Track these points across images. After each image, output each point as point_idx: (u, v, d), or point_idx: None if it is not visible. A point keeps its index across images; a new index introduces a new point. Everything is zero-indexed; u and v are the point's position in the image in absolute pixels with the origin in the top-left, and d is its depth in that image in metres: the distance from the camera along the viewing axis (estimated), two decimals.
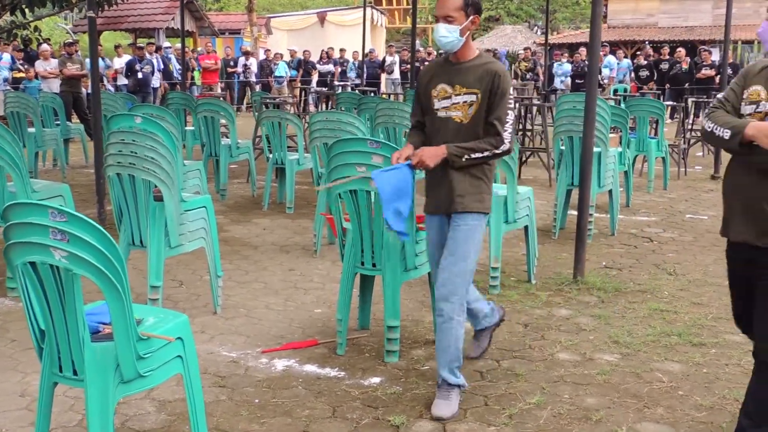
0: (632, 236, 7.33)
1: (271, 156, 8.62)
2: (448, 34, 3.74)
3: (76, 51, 15.10)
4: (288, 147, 8.63)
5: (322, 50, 24.34)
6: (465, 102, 3.79)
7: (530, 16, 44.60)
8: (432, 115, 3.89)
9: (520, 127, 12.29)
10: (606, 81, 20.77)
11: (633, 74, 21.32)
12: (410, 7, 43.13)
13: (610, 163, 7.23)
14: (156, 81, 18.53)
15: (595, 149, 7.05)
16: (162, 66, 19.36)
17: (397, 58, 23.63)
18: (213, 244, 5.12)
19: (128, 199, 4.83)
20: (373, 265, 4.36)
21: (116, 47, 19.87)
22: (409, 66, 23.00)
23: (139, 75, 16.78)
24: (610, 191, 7.27)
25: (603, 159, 7.02)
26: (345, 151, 4.26)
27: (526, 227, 5.74)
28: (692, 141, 12.53)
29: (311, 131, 6.61)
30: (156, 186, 4.73)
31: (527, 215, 5.71)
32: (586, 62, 21.01)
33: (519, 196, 5.57)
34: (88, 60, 11.69)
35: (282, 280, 5.92)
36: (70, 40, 17.61)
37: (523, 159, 11.10)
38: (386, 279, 4.28)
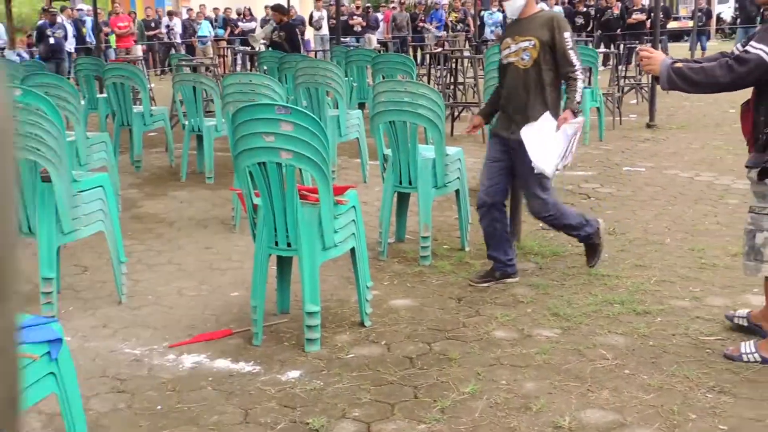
0: (569, 193, 7.02)
1: (187, 123, 8.07)
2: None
3: None
4: (207, 111, 8.09)
5: (244, 7, 23.51)
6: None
7: None
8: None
9: (451, 80, 11.88)
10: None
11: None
12: None
13: None
14: (71, 46, 17.58)
15: None
16: (75, 30, 18.37)
17: (325, 13, 22.92)
18: (114, 227, 4.63)
19: None
20: (288, 244, 3.94)
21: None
22: (335, 21, 22.42)
23: (51, 40, 15.84)
24: None
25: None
26: (250, 119, 3.79)
27: (457, 191, 5.36)
28: (626, 89, 12.28)
29: (224, 95, 6.10)
30: (43, 166, 4.21)
31: (458, 178, 5.33)
32: None
33: (449, 158, 5.18)
34: None
35: (197, 259, 5.45)
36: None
37: (456, 114, 10.71)
38: (303, 260, 3.86)
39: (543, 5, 20.42)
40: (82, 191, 4.43)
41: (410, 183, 5.18)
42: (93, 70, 10.06)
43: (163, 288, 4.90)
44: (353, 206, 4.09)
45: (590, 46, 15.82)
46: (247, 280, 4.93)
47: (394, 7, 23.83)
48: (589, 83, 9.67)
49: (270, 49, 11.30)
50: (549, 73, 4.50)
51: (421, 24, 22.27)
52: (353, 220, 4.10)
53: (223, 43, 21.28)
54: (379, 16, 23.42)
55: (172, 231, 6.20)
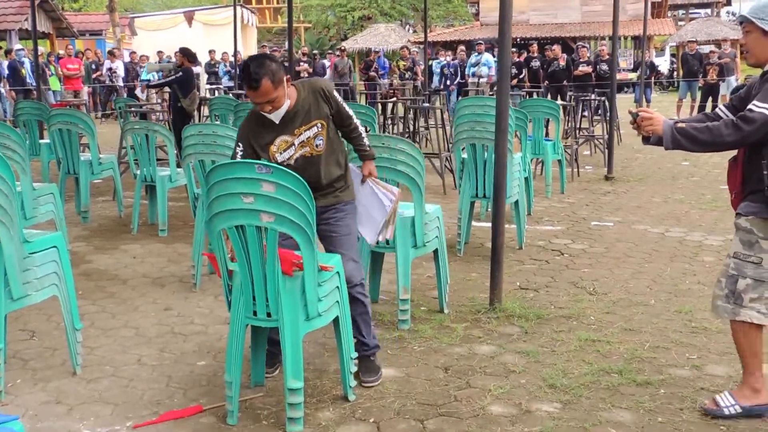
0: (541, 249, 6.81)
1: (138, 172, 7.67)
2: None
3: None
4: (158, 159, 7.71)
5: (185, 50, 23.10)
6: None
7: (402, 15, 44.39)
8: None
9: (408, 130, 11.70)
10: (485, 80, 20.57)
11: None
12: (280, 6, 42.14)
13: (516, 171, 6.68)
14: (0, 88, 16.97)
15: None
16: (6, 72, 17.75)
17: None
18: (68, 292, 4.22)
19: None
20: (268, 314, 3.59)
21: None
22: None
23: None
24: (516, 200, 6.72)
25: (510, 167, 6.45)
26: (227, 178, 3.46)
27: (435, 250, 5.08)
28: (581, 140, 12.25)
29: (184, 147, 5.75)
30: None
31: (437, 237, 5.05)
32: (462, 61, 20.97)
33: (427, 216, 4.90)
34: None
35: (156, 323, 5.04)
36: None
37: None
38: (285, 332, 3.52)
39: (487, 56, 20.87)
40: (33, 253, 4.02)
41: (387, 242, 4.88)
42: (35, 114, 9.61)
43: (121, 357, 4.48)
44: (337, 272, 3.77)
45: (535, 96, 15.91)
46: (213, 347, 4.58)
47: (337, 54, 23.75)
48: (547, 135, 9.57)
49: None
50: (336, 137, 4.12)
51: (372, 73, 22.10)
52: (337, 287, 3.78)
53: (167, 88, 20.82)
54: (326, 62, 23.26)
55: (126, 290, 5.77)
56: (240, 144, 3.92)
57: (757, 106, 3.37)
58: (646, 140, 3.62)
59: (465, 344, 4.58)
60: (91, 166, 8.02)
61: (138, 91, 20.04)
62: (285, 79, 3.78)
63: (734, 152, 3.65)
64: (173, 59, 22.22)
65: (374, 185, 4.36)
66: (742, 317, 3.54)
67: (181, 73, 11.24)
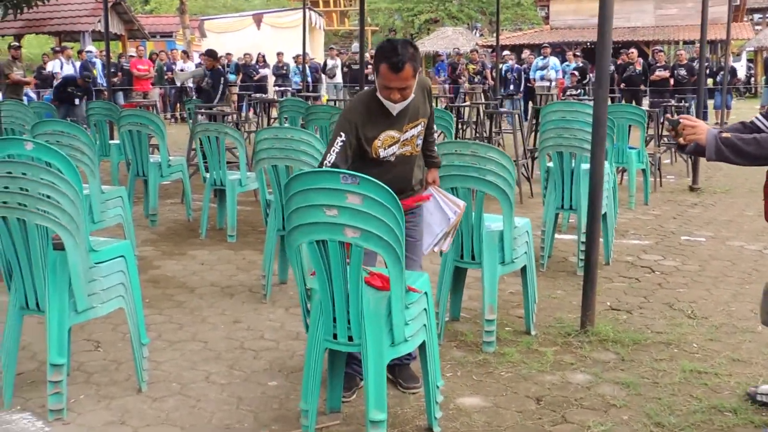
0: (630, 266, 6.37)
1: (208, 175, 7.46)
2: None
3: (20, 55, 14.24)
4: (228, 163, 7.49)
5: (259, 54, 23.12)
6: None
7: (470, 18, 43.90)
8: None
9: (482, 135, 11.31)
10: (553, 83, 20.06)
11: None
12: (347, 9, 42.24)
13: (606, 182, 6.25)
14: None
15: (587, 166, 6.09)
16: (79, 72, 17.88)
17: (338, 61, 22.54)
18: (135, 304, 3.98)
19: (18, 250, 3.65)
20: (350, 338, 3.28)
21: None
22: (347, 69, 21.99)
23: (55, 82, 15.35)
24: (604, 213, 6.30)
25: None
26: (308, 188, 3.16)
27: (524, 267, 4.71)
28: (664, 149, 11.71)
29: (256, 151, 5.49)
30: (55, 232, 3.57)
31: (525, 253, 4.69)
32: (528, 64, 20.43)
33: (516, 230, 4.55)
34: None
35: (225, 337, 4.78)
36: (16, 44, 16.23)
37: None
38: (368, 359, 3.20)
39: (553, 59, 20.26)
40: (100, 262, 3.79)
41: (473, 258, 4.54)
42: (106, 114, 9.52)
43: (189, 373, 4.22)
44: (425, 293, 3.45)
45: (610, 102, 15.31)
46: (285, 366, 4.29)
47: None
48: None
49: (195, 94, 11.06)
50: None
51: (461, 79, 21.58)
52: (425, 309, 3.45)
53: (235, 90, 20.79)
54: None
55: (193, 299, 5.53)
56: (342, 134, 3.60)
57: None
58: (682, 148, 3.52)
59: (557, 371, 4.21)
60: (161, 168, 7.85)
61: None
62: (419, 70, 3.60)
63: None
64: (237, 61, 22.29)
65: (438, 194, 4.11)
66: None
67: (214, 79, 11.20)
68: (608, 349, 4.51)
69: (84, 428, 3.58)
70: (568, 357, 4.40)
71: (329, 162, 3.57)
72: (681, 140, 3.45)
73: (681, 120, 3.44)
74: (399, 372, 3.97)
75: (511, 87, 20.21)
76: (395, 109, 3.62)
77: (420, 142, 3.85)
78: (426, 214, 4.04)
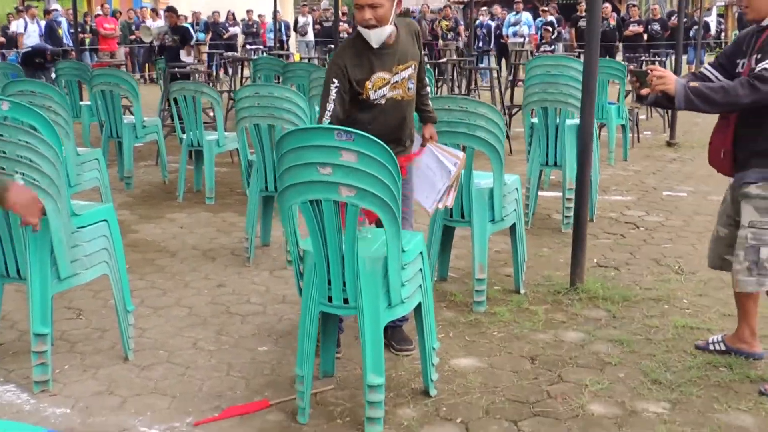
0: (614, 222, 6.35)
1: (184, 136, 7.29)
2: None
3: None
4: (204, 123, 7.32)
5: (228, 11, 22.70)
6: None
7: None
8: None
9: (459, 92, 11.20)
10: (527, 38, 19.87)
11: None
12: None
13: None
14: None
15: (572, 122, 6.04)
16: (44, 31, 17.45)
17: (310, 18, 22.20)
18: (119, 270, 3.86)
19: None
20: (345, 301, 3.20)
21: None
22: (320, 27, 21.67)
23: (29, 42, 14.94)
24: None
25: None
26: (300, 146, 3.05)
27: (513, 225, 4.65)
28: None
29: (237, 109, 5.34)
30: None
31: (515, 210, 4.62)
32: (502, 20, 20.19)
33: (506, 187, 4.47)
34: None
35: (210, 302, 4.69)
36: None
37: None
38: (364, 321, 3.12)
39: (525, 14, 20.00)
40: (82, 227, 3.66)
41: (462, 216, 4.47)
42: (75, 75, 9.25)
43: (175, 340, 4.13)
44: (420, 252, 3.37)
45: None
46: (274, 330, 4.22)
47: None
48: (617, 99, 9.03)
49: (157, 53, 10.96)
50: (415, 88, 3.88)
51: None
52: (420, 270, 3.37)
53: (205, 48, 20.38)
54: None
55: (175, 263, 5.42)
56: (335, 80, 3.53)
57: None
58: (642, 99, 3.59)
59: (549, 330, 4.17)
60: (135, 130, 7.66)
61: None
62: (397, 0, 3.52)
63: None
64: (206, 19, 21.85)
65: (435, 149, 4.03)
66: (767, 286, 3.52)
67: (181, 35, 11.01)
68: (599, 307, 4.48)
69: (71, 399, 3.48)
70: (559, 315, 4.37)
71: (329, 111, 3.51)
72: (644, 91, 3.50)
73: (649, 70, 3.46)
74: (392, 334, 3.91)
75: (481, 44, 19.98)
76: (372, 38, 3.52)
77: (411, 86, 3.75)
78: (426, 171, 3.96)
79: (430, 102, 4.09)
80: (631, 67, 3.62)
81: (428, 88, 4.08)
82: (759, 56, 3.42)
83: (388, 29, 3.53)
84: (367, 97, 3.59)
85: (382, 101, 3.64)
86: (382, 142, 2.98)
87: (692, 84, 3.42)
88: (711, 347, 3.87)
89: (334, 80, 3.53)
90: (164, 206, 7.04)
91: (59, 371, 3.74)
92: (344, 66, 3.54)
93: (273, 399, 3.44)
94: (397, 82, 3.66)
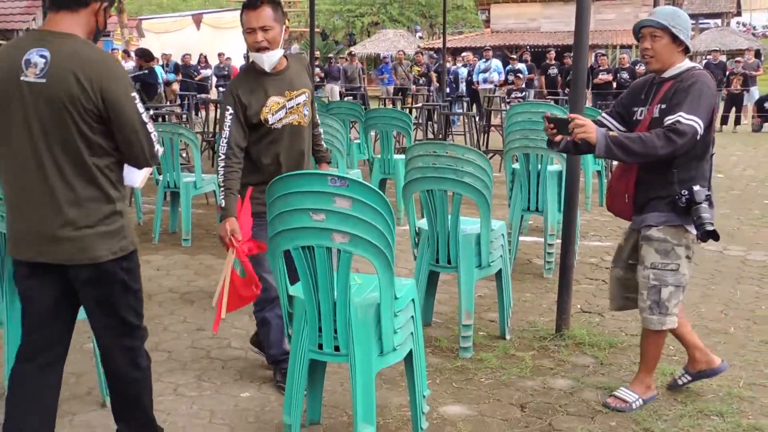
0: (595, 267, 6.35)
1: (161, 178, 7.21)
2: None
3: None
4: (181, 165, 7.25)
5: (201, 54, 22.74)
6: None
7: (411, 21, 43.95)
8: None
9: (435, 137, 11.25)
10: (496, 85, 20.05)
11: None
12: (287, 10, 41.85)
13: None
14: None
15: (553, 168, 6.07)
16: None
17: None
18: None
19: None
20: (336, 348, 3.13)
21: None
22: None
23: None
24: None
25: (552, 180, 6.00)
26: (293, 191, 3.01)
27: (499, 271, 4.62)
28: None
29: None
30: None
31: (501, 256, 4.60)
32: (475, 66, 20.37)
33: (493, 233, 4.45)
34: None
35: (190, 346, 4.58)
36: None
37: None
38: (356, 369, 3.05)
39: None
40: None
41: (449, 262, 4.43)
42: None
43: (156, 385, 3.92)
44: (412, 299, 3.32)
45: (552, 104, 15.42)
46: (256, 376, 4.13)
47: (345, 60, 23.24)
48: None
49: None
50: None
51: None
52: (412, 317, 3.32)
53: (176, 87, 20.31)
54: (341, 66, 22.76)
55: (152, 306, 5.30)
56: (229, 107, 3.70)
57: (685, 118, 3.41)
58: (554, 145, 3.76)
59: (537, 377, 4.12)
60: None
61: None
62: (285, 27, 3.72)
63: None
64: (178, 61, 21.85)
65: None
66: (668, 325, 3.68)
67: (147, 72, 10.94)
68: (586, 353, 4.45)
69: None
70: (546, 362, 4.32)
71: (225, 137, 3.67)
72: (558, 138, 3.67)
73: (572, 118, 3.55)
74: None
75: (448, 90, 20.11)
76: (265, 62, 3.67)
77: (307, 113, 3.87)
78: None
79: (322, 142, 4.28)
80: (548, 114, 3.66)
81: (320, 129, 4.27)
82: (663, 106, 3.55)
83: (279, 52, 3.70)
84: (265, 120, 3.72)
85: (280, 126, 3.77)
86: (377, 189, 2.95)
87: (612, 134, 3.52)
88: (679, 382, 3.97)
89: (228, 107, 3.69)
90: (140, 248, 6.91)
91: None
92: (237, 94, 3.67)
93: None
94: (292, 107, 3.80)
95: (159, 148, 2.84)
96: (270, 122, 3.73)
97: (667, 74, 3.64)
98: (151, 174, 8.20)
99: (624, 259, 3.87)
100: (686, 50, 3.64)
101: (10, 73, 2.65)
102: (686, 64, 3.66)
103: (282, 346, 3.93)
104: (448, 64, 20.91)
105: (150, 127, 2.77)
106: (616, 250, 3.95)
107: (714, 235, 3.49)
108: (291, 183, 3.01)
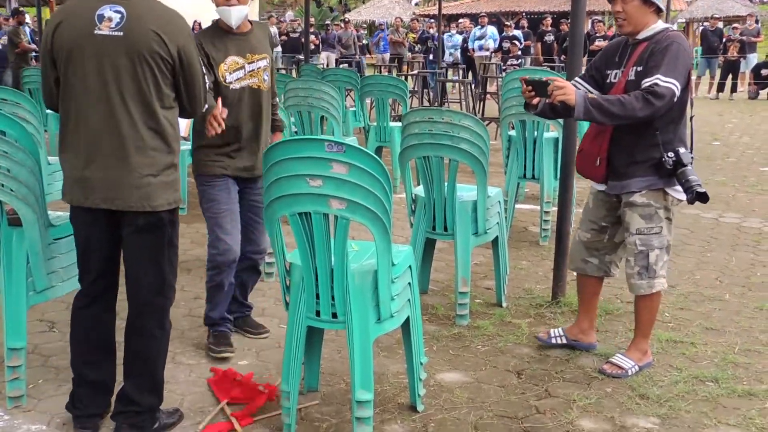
0: None
1: None
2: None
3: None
4: None
5: (195, 21, 22.53)
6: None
7: None
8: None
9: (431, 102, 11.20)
10: (490, 52, 19.92)
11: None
12: None
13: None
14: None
15: (550, 135, 6.04)
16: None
17: (276, 29, 22.09)
18: None
19: None
20: (334, 315, 3.13)
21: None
22: (286, 38, 21.59)
23: None
24: None
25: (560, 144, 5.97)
26: (290, 157, 2.98)
27: (495, 238, 4.62)
28: None
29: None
30: (10, 206, 3.32)
31: (497, 223, 4.59)
32: (471, 33, 20.21)
33: (489, 200, 4.44)
34: None
35: (187, 314, 4.59)
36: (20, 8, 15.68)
37: None
38: (354, 335, 3.05)
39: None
40: (59, 238, 3.54)
41: (445, 229, 4.43)
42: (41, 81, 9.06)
43: None
44: (409, 266, 3.31)
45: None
46: (254, 343, 4.14)
47: (340, 27, 23.07)
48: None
49: None
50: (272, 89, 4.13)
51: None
52: (409, 284, 3.32)
53: None
54: (337, 33, 22.58)
55: None
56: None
57: (662, 81, 3.41)
58: (530, 108, 3.73)
59: (533, 343, 4.14)
60: None
61: None
62: None
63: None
64: None
65: None
66: (657, 288, 3.70)
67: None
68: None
69: (47, 415, 3.36)
70: (542, 328, 4.33)
71: (209, 80, 3.69)
72: (536, 100, 3.65)
73: (550, 80, 3.54)
74: (243, 322, 4.20)
75: (431, 56, 19.91)
76: (233, 15, 3.73)
77: (267, 78, 3.94)
78: None
79: (278, 112, 4.30)
80: (526, 76, 3.64)
81: (277, 99, 4.29)
82: (639, 69, 3.56)
83: (246, 9, 3.76)
84: (223, 78, 3.77)
85: (238, 86, 3.81)
86: (374, 155, 2.93)
87: (591, 96, 3.52)
88: (554, 341, 4.04)
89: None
90: None
91: (33, 386, 3.62)
92: (199, 42, 3.65)
93: (257, 415, 3.35)
94: (253, 70, 3.86)
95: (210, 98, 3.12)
96: (227, 80, 3.78)
97: (641, 36, 3.63)
98: None
99: (595, 221, 3.90)
100: (658, 10, 3.64)
101: (82, 27, 2.84)
102: (660, 25, 3.65)
103: (223, 310, 4.04)
104: (450, 32, 20.76)
105: (207, 79, 3.05)
106: (584, 212, 3.99)
107: (704, 197, 3.50)
108: (288, 149, 2.98)
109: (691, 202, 3.54)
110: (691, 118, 3.69)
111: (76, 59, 2.86)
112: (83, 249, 3.10)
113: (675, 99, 3.44)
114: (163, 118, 2.93)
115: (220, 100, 3.63)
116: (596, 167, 3.74)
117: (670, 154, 3.53)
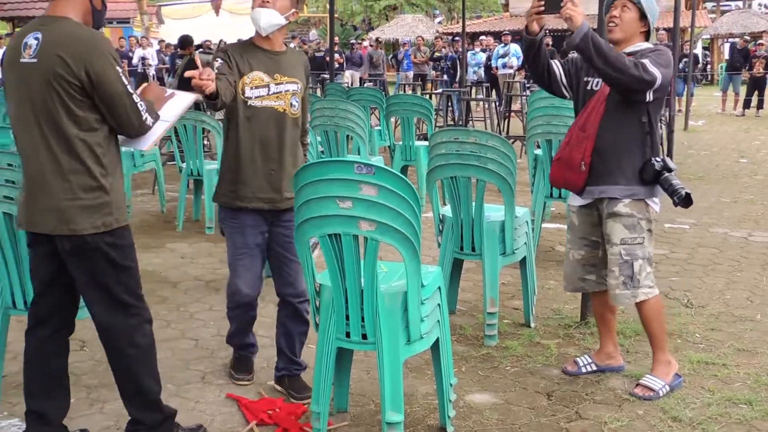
0: None
1: (184, 165, 7.24)
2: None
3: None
4: (204, 152, 7.27)
5: (221, 41, 22.75)
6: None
7: (429, 5, 43.75)
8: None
9: (455, 121, 11.21)
10: (514, 70, 19.89)
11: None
12: None
13: None
14: None
15: None
16: None
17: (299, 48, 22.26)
18: None
19: (4, 246, 3.46)
20: (364, 336, 3.13)
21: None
22: (311, 58, 21.74)
23: None
24: None
25: None
26: (319, 179, 3.00)
27: (523, 258, 4.61)
28: None
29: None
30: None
31: (525, 243, 4.58)
32: (494, 51, 20.20)
33: (517, 220, 4.44)
34: None
35: (216, 334, 4.61)
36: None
37: None
38: (383, 357, 3.06)
39: None
40: None
41: (473, 249, 4.42)
42: None
43: (183, 374, 4.05)
44: (438, 287, 3.31)
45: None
46: None
47: (370, 45, 23.20)
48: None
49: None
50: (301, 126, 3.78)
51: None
52: (438, 304, 3.32)
53: None
54: (361, 53, 22.73)
55: (178, 294, 5.34)
56: (218, 59, 3.48)
57: (649, 66, 3.47)
58: (527, 30, 3.72)
59: (563, 365, 4.11)
60: (133, 158, 7.59)
61: (169, 80, 19.72)
62: (294, 11, 3.58)
63: (576, 121, 3.85)
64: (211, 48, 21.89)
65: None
66: (641, 297, 3.71)
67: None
68: None
69: None
70: (572, 349, 4.31)
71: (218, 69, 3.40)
72: (540, 18, 3.62)
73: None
74: (289, 383, 3.81)
75: (445, 76, 19.92)
76: (262, 17, 3.45)
77: (296, 104, 3.62)
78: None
79: (307, 155, 3.96)
80: None
81: (308, 138, 3.88)
82: None
83: (278, 18, 3.48)
84: (242, 90, 3.49)
85: (259, 104, 3.53)
86: (403, 177, 2.95)
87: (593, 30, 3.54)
88: (584, 370, 3.99)
89: (218, 59, 3.49)
90: (164, 235, 6.97)
91: None
92: (227, 50, 3.55)
93: None
94: (279, 92, 3.56)
95: (148, 117, 2.95)
96: (246, 94, 3.49)
97: (626, 50, 3.65)
98: (174, 162, 8.25)
99: (586, 237, 3.89)
100: (647, 35, 3.70)
101: (13, 56, 2.87)
102: (645, 44, 3.69)
103: (243, 338, 3.99)
104: (474, 50, 20.77)
105: (136, 98, 2.89)
106: (569, 231, 3.97)
107: (689, 200, 3.59)
108: (317, 170, 3.00)
109: (676, 205, 3.61)
110: (671, 132, 3.77)
111: (10, 88, 2.89)
112: (29, 269, 3.17)
113: (653, 86, 3.49)
114: (80, 141, 2.83)
115: (198, 61, 3.30)
116: (580, 172, 3.73)
117: (658, 158, 3.62)
